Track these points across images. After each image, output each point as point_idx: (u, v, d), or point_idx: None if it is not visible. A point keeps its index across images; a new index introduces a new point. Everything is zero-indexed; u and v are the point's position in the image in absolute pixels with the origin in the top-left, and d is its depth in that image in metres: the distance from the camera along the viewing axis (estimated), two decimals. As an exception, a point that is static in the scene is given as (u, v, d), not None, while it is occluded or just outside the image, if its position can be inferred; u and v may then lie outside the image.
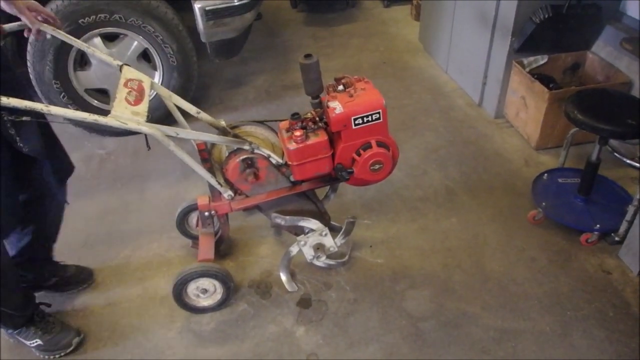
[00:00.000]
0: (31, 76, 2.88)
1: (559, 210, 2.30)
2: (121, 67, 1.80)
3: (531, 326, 1.92)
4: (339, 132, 1.71)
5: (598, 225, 2.21)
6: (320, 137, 1.72)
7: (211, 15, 2.84)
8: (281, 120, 1.83)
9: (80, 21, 2.76)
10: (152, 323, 2.01)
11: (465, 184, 2.64)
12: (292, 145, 1.70)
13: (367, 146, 1.74)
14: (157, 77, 3.10)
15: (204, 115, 1.91)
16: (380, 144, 1.74)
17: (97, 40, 2.90)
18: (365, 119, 1.68)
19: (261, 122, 2.03)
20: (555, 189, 2.44)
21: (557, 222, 2.29)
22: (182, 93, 3.11)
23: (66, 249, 2.35)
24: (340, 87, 1.76)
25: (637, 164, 2.46)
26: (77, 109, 2.99)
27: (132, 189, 2.74)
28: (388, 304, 2.03)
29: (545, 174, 2.51)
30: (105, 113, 1.62)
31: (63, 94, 2.97)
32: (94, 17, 2.77)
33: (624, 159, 2.50)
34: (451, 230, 2.36)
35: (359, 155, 1.74)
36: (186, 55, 3.04)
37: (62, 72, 2.91)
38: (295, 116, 1.74)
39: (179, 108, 1.95)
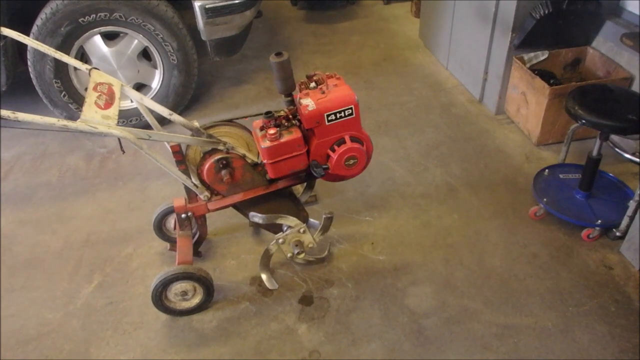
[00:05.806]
0: (31, 75, 2.88)
1: (560, 206, 2.30)
2: (90, 70, 1.80)
3: (533, 322, 1.92)
4: (313, 128, 1.71)
5: (599, 221, 2.21)
6: (294, 135, 1.71)
7: (211, 13, 2.85)
8: (255, 117, 1.83)
9: (80, 20, 2.76)
10: (154, 321, 2.01)
11: (466, 180, 2.64)
12: (266, 144, 1.70)
13: (341, 142, 1.74)
14: (158, 75, 3.10)
15: (176, 117, 1.87)
16: (354, 139, 1.74)
17: (97, 39, 2.90)
18: (338, 115, 1.69)
19: (233, 121, 2.02)
20: (556, 184, 2.44)
21: (559, 217, 2.29)
22: (183, 91, 3.13)
23: (68, 248, 2.37)
24: (313, 84, 1.75)
25: (638, 159, 2.47)
26: (77, 108, 3.03)
27: (133, 187, 2.74)
28: (390, 301, 2.03)
29: (547, 170, 2.51)
30: (107, 112, 1.62)
31: (64, 92, 2.97)
32: (94, 15, 2.77)
33: (625, 154, 2.50)
34: (453, 227, 2.36)
35: (334, 151, 1.74)
36: (186, 54, 3.04)
37: (62, 71, 2.91)
38: (268, 114, 1.74)
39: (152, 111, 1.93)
